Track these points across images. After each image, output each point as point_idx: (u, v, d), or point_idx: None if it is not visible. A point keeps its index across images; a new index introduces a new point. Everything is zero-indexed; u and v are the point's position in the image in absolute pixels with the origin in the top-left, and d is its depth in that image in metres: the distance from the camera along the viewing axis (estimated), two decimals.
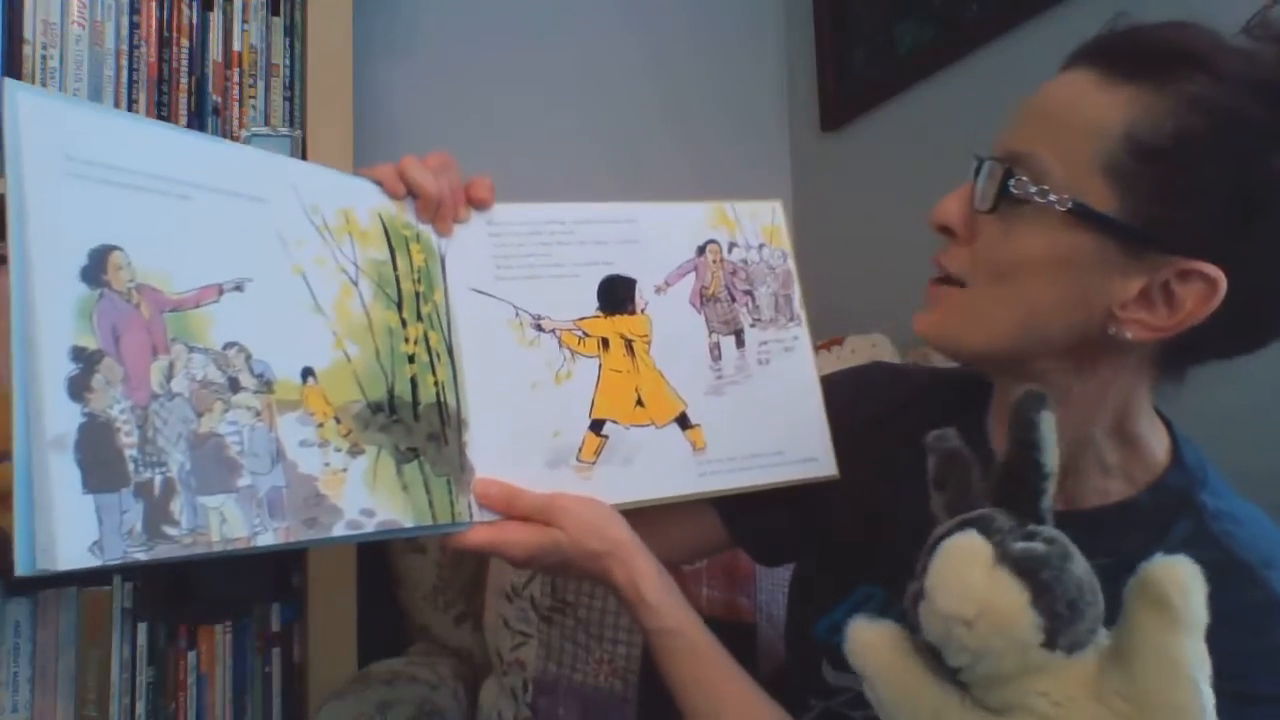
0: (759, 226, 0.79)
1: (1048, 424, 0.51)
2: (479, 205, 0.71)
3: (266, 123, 1.23)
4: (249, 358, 0.57)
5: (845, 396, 0.79)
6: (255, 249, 0.59)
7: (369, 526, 0.60)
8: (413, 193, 0.68)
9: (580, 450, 0.69)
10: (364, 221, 0.66)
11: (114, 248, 0.53)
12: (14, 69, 1.11)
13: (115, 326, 0.51)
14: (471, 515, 0.65)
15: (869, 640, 0.54)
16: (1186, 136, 0.55)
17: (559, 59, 1.66)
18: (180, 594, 1.19)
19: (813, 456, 0.75)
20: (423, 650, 1.31)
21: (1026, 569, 0.47)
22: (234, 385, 0.56)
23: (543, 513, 0.65)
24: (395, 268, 0.66)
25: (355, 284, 0.64)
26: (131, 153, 0.55)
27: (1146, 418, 0.64)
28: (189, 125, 1.20)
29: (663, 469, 0.71)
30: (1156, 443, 0.65)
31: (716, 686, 0.65)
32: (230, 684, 1.20)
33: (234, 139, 1.21)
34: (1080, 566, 0.48)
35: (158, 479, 0.51)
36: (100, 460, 0.49)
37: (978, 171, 0.62)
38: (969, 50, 1.34)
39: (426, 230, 0.69)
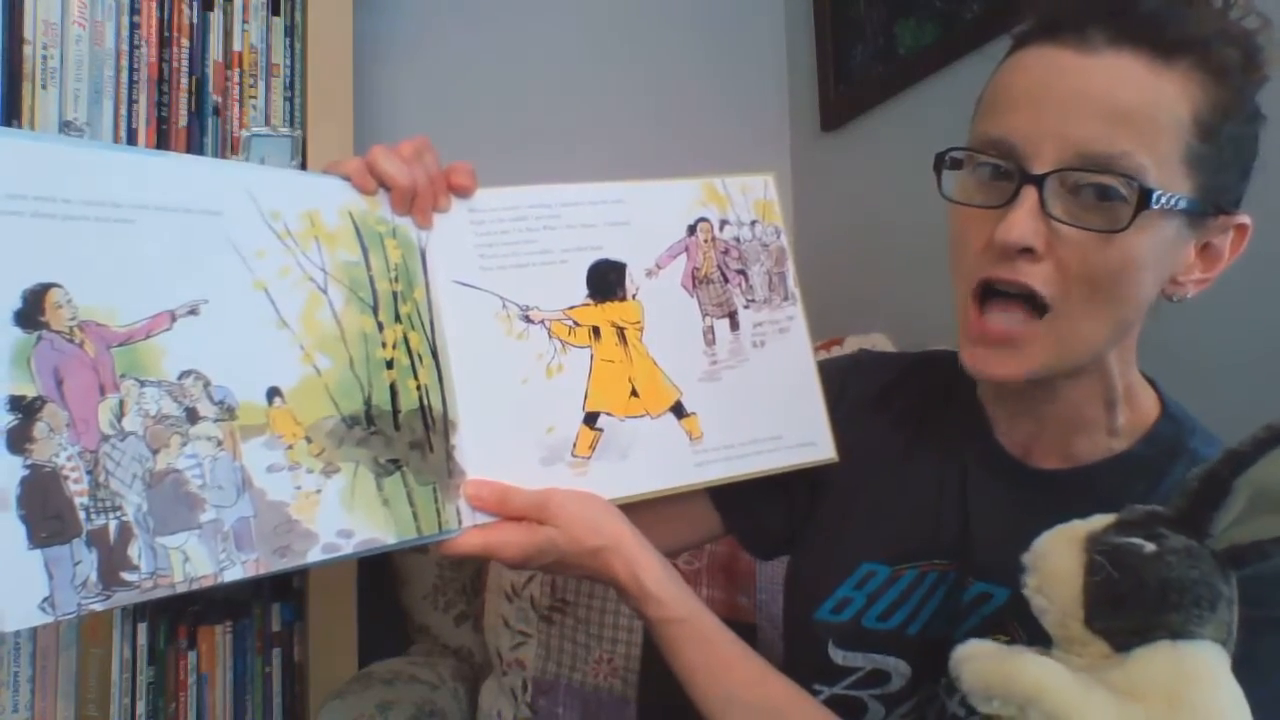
0: (751, 202, 0.76)
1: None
2: (460, 192, 0.67)
3: (266, 123, 1.23)
4: (207, 385, 0.54)
5: (834, 384, 0.78)
6: (210, 267, 0.56)
7: (347, 548, 0.57)
8: (385, 185, 0.64)
9: (575, 445, 0.67)
10: (331, 222, 0.61)
11: (51, 285, 0.50)
12: (14, 69, 1.11)
13: (57, 369, 0.49)
14: (460, 520, 0.62)
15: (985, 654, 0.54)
16: (1226, 107, 0.58)
17: (559, 58, 1.66)
18: (181, 594, 1.19)
19: (811, 440, 0.73)
20: (423, 650, 1.31)
21: (1099, 552, 0.51)
22: (192, 416, 0.53)
23: (536, 510, 0.64)
24: (369, 268, 0.62)
25: (324, 291, 0.60)
26: (63, 180, 0.51)
27: (1136, 370, 0.67)
28: (189, 125, 1.20)
29: (659, 460, 0.69)
30: (1144, 392, 0.68)
31: (727, 671, 0.65)
32: (230, 684, 1.20)
33: (234, 139, 1.22)
34: (1167, 574, 0.49)
35: (113, 524, 0.49)
36: (47, 512, 0.47)
37: (1031, 177, 0.58)
38: (969, 50, 1.34)
39: (404, 223, 0.65)
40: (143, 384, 0.52)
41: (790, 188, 1.80)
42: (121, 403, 0.51)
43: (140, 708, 1.14)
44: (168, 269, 0.54)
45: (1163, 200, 0.56)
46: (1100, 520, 0.53)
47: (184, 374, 0.53)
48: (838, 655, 0.73)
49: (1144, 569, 0.49)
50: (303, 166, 1.20)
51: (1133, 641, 0.49)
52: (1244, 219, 0.61)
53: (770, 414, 0.73)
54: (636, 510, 0.68)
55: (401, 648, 1.32)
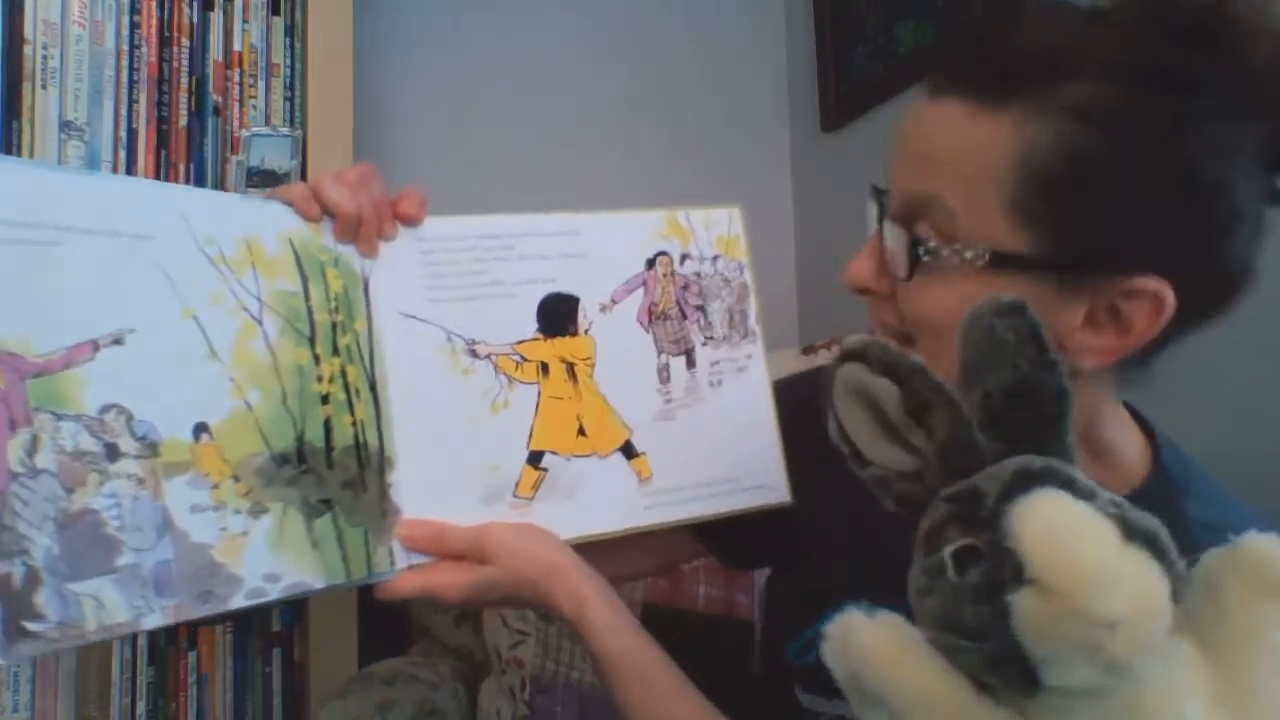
0: (714, 236, 0.74)
1: (1047, 333, 0.42)
2: (408, 221, 0.64)
3: (267, 123, 1.23)
4: (130, 419, 0.51)
5: (809, 400, 0.76)
6: (138, 294, 0.53)
7: (273, 593, 0.55)
8: (329, 212, 0.61)
9: (517, 485, 0.65)
10: (271, 249, 0.59)
11: None
12: (14, 69, 1.12)
13: None
14: (394, 563, 0.60)
15: (876, 641, 0.42)
16: (1083, 154, 0.51)
17: (558, 59, 1.66)
18: None
19: (765, 483, 0.71)
20: (423, 650, 1.31)
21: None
22: (112, 453, 0.50)
23: (474, 549, 0.61)
24: (308, 298, 0.59)
25: (259, 321, 0.57)
26: None
27: (1113, 423, 0.61)
28: (189, 125, 1.20)
29: (606, 502, 0.67)
30: (1130, 449, 0.61)
31: (664, 708, 0.62)
32: (231, 684, 1.20)
33: (234, 139, 1.22)
34: None
35: (18, 571, 0.46)
36: None
37: (882, 215, 0.60)
38: None
39: (347, 252, 0.62)
40: (59, 418, 0.48)
41: (790, 188, 1.80)
42: (35, 438, 0.47)
43: (140, 708, 1.15)
44: (92, 295, 0.51)
45: (942, 252, 0.54)
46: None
47: (105, 408, 0.50)
48: (804, 698, 0.69)
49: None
50: (303, 166, 1.21)
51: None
52: (1150, 284, 0.51)
53: (725, 456, 0.70)
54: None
55: (401, 648, 1.32)
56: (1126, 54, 0.51)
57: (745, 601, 1.14)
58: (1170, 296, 0.51)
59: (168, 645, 1.17)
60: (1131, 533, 0.37)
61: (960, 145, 0.54)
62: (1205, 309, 0.55)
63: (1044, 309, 0.49)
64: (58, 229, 0.51)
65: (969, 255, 0.54)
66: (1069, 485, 0.39)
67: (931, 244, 0.55)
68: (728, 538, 0.80)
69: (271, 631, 1.22)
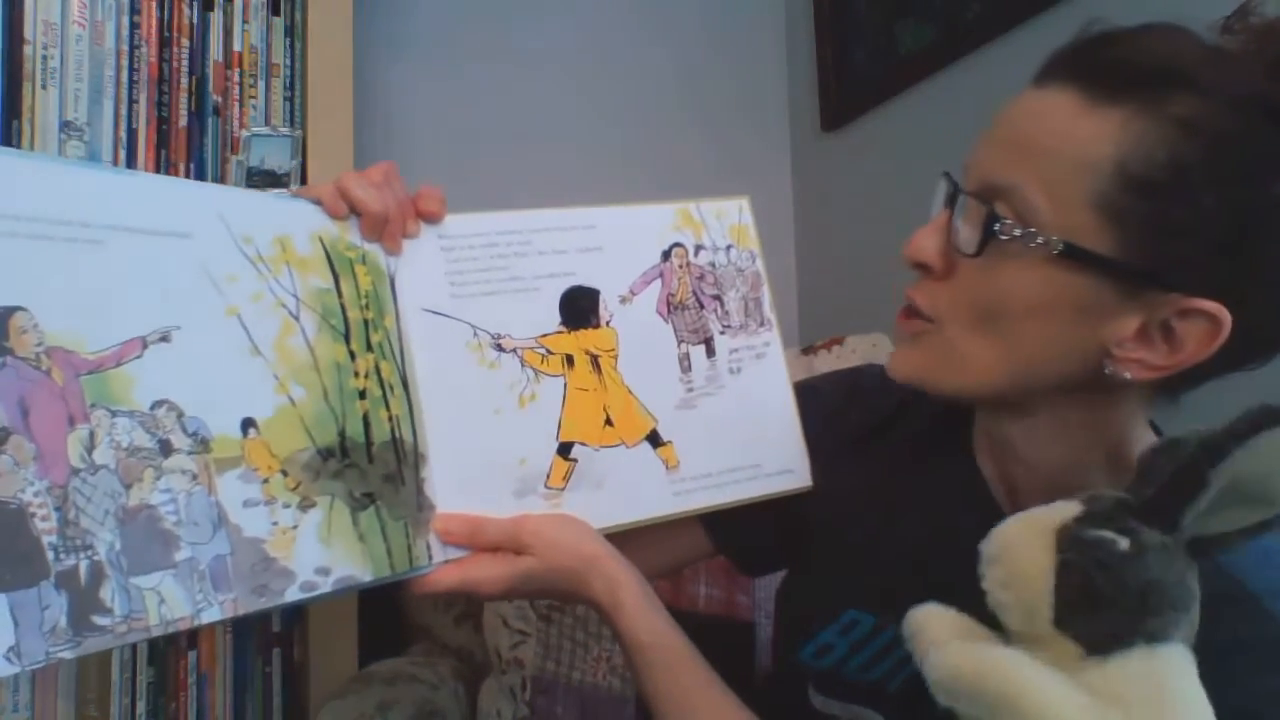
0: (726, 227, 0.76)
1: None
2: (429, 218, 0.66)
3: (267, 123, 1.23)
4: (180, 416, 0.52)
5: (834, 403, 0.77)
6: (182, 292, 0.54)
7: (325, 586, 0.56)
8: (355, 210, 0.63)
9: (548, 477, 0.66)
10: (303, 248, 0.60)
11: (15, 309, 0.47)
12: (14, 69, 1.11)
13: (23, 399, 0.46)
14: (431, 556, 0.61)
15: (938, 625, 0.53)
16: (1182, 166, 0.51)
17: (558, 60, 1.67)
18: None
19: (789, 468, 0.72)
20: (423, 650, 1.31)
21: (1070, 547, 0.48)
22: (165, 448, 0.51)
23: (510, 539, 0.62)
24: (340, 295, 0.61)
25: (297, 318, 0.58)
26: (29, 197, 0.48)
27: (1144, 442, 0.61)
28: (189, 125, 1.20)
29: (636, 491, 0.68)
30: None
31: (692, 700, 0.63)
32: (230, 684, 1.19)
33: (234, 139, 1.22)
34: (1148, 576, 0.46)
35: (83, 564, 0.46)
36: (13, 553, 0.44)
37: (953, 198, 0.59)
38: (969, 50, 1.34)
39: (373, 249, 0.64)
40: (114, 414, 0.49)
41: (790, 188, 1.81)
42: (92, 434, 0.48)
43: (140, 708, 1.14)
44: (138, 293, 0.52)
45: (1014, 232, 0.54)
46: (1066, 509, 0.50)
47: (156, 404, 0.51)
48: (816, 700, 0.70)
49: (1124, 571, 0.46)
50: (303, 166, 1.21)
51: (1109, 644, 0.46)
52: (1210, 307, 0.52)
53: (748, 442, 0.72)
54: (623, 534, 0.67)
55: (401, 648, 1.32)
56: (1244, 83, 0.52)
57: (745, 602, 1.14)
58: (1228, 321, 0.52)
59: (167, 645, 1.17)
60: (1065, 546, 0.48)
61: (1063, 132, 0.54)
62: (1252, 349, 0.56)
63: (1101, 311, 0.55)
64: (101, 227, 0.51)
65: (1042, 240, 0.54)
66: (1092, 504, 0.50)
67: (1008, 222, 0.55)
68: (744, 543, 0.81)
69: (271, 631, 1.22)
